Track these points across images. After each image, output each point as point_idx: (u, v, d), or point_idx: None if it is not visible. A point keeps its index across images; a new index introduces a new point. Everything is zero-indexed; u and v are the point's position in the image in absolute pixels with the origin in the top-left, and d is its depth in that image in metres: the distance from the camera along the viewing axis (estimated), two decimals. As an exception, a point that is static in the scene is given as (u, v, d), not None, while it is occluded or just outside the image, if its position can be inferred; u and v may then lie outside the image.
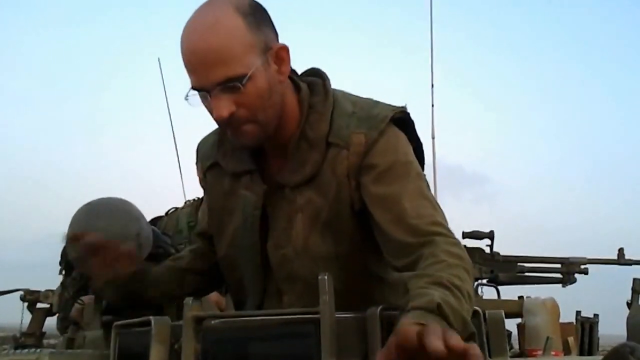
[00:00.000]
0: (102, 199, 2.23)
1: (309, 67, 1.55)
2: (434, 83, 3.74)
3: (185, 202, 3.42)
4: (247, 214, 1.47)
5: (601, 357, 1.45)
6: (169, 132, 4.46)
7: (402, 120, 1.46)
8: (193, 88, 1.35)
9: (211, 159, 1.58)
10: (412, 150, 1.45)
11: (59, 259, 2.60)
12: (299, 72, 1.52)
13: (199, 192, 3.30)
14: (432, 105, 4.01)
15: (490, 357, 1.36)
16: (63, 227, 2.25)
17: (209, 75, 1.31)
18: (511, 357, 1.79)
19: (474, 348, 0.87)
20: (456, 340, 0.87)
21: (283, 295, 1.46)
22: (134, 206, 2.31)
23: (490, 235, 3.11)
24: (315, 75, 1.51)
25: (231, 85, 1.31)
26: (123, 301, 1.73)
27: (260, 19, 1.35)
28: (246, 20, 1.32)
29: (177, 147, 4.49)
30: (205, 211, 1.69)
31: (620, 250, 3.38)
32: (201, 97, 1.36)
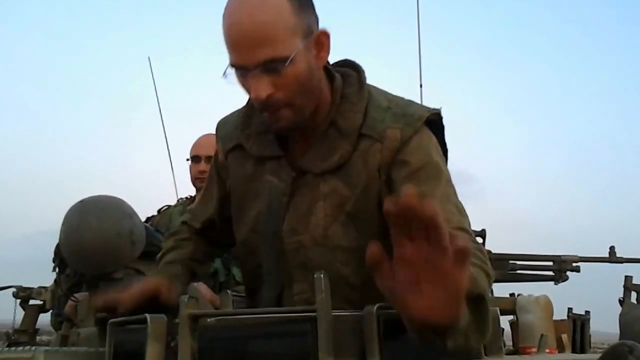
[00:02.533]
0: (95, 196, 2.23)
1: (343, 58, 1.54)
2: (422, 83, 3.73)
3: (178, 200, 3.42)
4: (272, 200, 1.46)
5: (596, 354, 1.45)
6: (160, 131, 4.45)
7: (434, 122, 1.45)
8: (232, 65, 1.33)
9: (234, 140, 1.56)
10: (442, 154, 1.44)
11: (51, 256, 2.59)
12: (331, 62, 1.51)
13: (191, 190, 3.32)
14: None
15: (485, 355, 1.36)
16: (54, 224, 2.24)
17: (252, 54, 1.29)
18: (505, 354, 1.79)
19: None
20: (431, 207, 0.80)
21: (293, 282, 1.45)
22: (127, 204, 2.31)
23: (482, 234, 3.12)
24: (349, 67, 1.51)
25: (273, 66, 1.30)
26: None
27: (305, 3, 1.35)
28: (292, 2, 1.31)
29: (169, 145, 4.48)
30: (202, 200, 1.70)
31: (612, 249, 3.40)
32: (238, 75, 1.34)
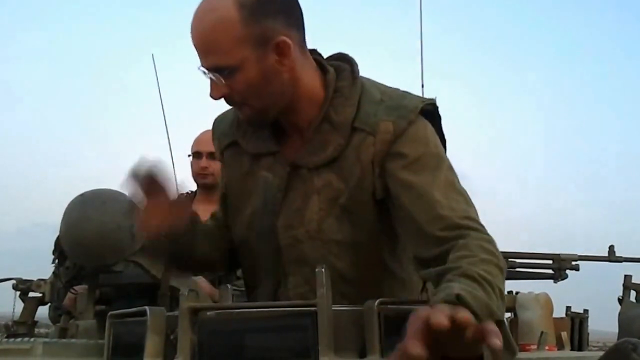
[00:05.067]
0: (96, 190, 2.22)
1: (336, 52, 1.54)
2: (424, 83, 3.72)
3: (178, 196, 3.40)
4: (267, 196, 1.46)
5: (592, 352, 1.45)
6: (161, 126, 4.44)
7: (430, 113, 1.44)
8: None
9: (229, 137, 1.57)
10: (440, 142, 1.44)
11: (50, 248, 2.58)
12: (325, 56, 1.52)
13: (192, 186, 3.31)
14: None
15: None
16: (54, 218, 2.24)
17: (203, 59, 1.38)
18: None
19: (489, 323, 0.83)
20: (463, 313, 0.82)
21: (288, 277, 1.45)
22: (128, 197, 2.30)
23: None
24: (343, 60, 1.51)
25: (220, 72, 1.36)
26: (173, 260, 1.65)
27: (262, 10, 1.35)
28: (243, 12, 1.33)
29: (170, 140, 4.48)
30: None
31: (611, 248, 3.40)
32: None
